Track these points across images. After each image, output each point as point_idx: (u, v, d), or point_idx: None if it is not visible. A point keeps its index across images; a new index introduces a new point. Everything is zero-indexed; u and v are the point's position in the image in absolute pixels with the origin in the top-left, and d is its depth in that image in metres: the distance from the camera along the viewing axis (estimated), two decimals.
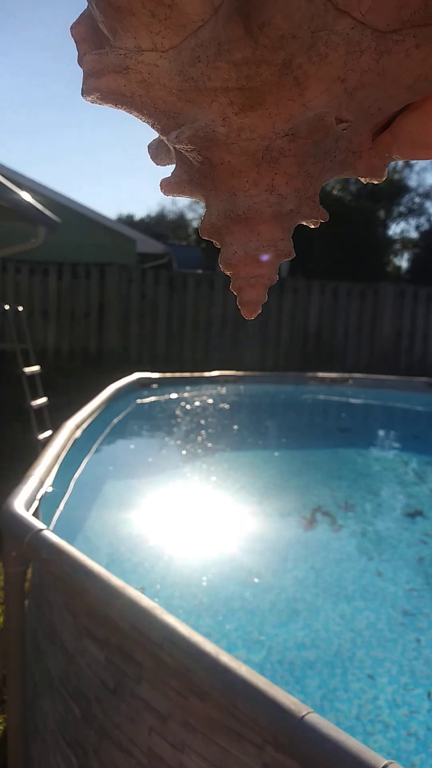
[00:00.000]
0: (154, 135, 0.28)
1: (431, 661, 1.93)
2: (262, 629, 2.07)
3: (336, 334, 8.82)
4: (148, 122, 0.26)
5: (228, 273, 0.29)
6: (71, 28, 0.26)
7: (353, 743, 0.81)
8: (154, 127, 0.26)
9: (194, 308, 8.56)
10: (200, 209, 24.90)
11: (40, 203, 5.32)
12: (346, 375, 6.24)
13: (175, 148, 0.26)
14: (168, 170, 0.29)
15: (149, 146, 0.29)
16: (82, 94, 0.25)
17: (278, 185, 0.26)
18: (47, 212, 5.28)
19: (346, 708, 1.69)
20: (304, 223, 0.29)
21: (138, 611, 1.11)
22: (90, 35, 0.26)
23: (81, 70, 0.26)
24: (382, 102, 0.25)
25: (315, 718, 0.85)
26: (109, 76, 0.24)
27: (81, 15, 0.26)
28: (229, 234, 0.27)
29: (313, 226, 0.29)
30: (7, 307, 4.90)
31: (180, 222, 28.09)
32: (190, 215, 27.46)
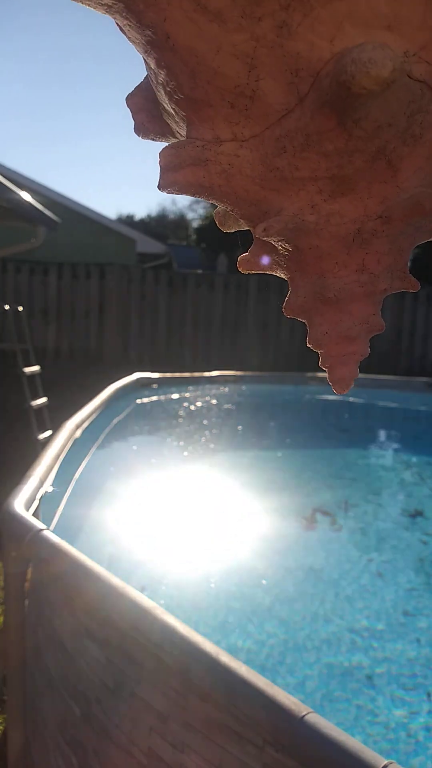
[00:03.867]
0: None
1: (431, 661, 1.93)
2: (262, 629, 2.07)
3: None
4: (228, 209, 0.24)
5: (318, 351, 0.27)
6: (127, 98, 0.25)
7: (353, 743, 0.81)
8: (233, 212, 0.25)
9: (194, 308, 8.55)
10: (200, 209, 24.89)
11: (40, 203, 5.32)
12: None
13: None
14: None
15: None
16: (158, 188, 0.24)
17: (369, 264, 0.25)
18: (47, 212, 5.28)
19: (346, 708, 1.69)
20: None
21: (138, 611, 1.11)
22: (147, 106, 0.25)
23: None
24: None
25: (315, 718, 0.85)
26: (187, 169, 0.23)
27: (137, 86, 0.25)
28: (318, 315, 0.26)
29: None
30: (7, 307, 4.90)
31: (180, 222, 28.09)
32: (190, 215, 27.48)
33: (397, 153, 0.22)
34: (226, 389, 5.83)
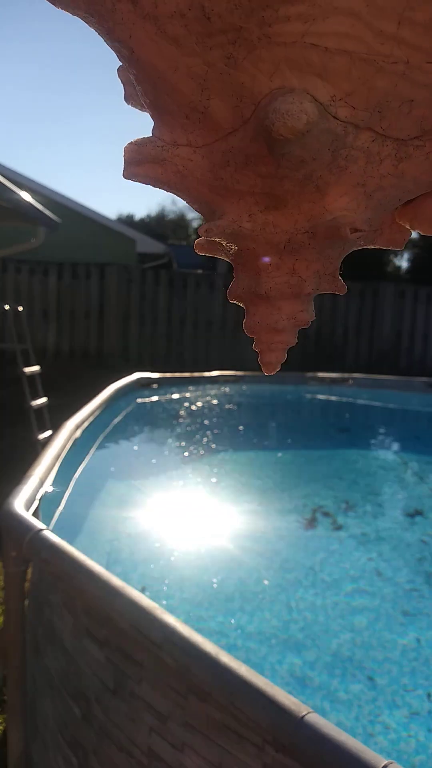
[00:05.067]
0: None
1: (431, 661, 1.93)
2: (262, 629, 2.07)
3: (336, 334, 8.82)
4: (185, 200, 0.28)
5: (251, 337, 0.31)
6: (118, 70, 0.27)
7: (353, 743, 0.81)
8: (190, 205, 0.28)
9: (194, 308, 8.55)
10: None
11: (40, 203, 5.32)
12: (346, 375, 6.24)
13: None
14: None
15: (196, 244, 0.32)
16: (122, 175, 0.27)
17: (299, 269, 0.28)
18: (47, 212, 5.28)
19: (346, 708, 1.69)
20: None
21: (138, 611, 1.11)
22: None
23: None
24: (402, 195, 0.26)
25: (315, 718, 0.85)
26: (147, 165, 0.26)
27: None
28: (252, 305, 0.30)
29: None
30: (7, 307, 4.90)
31: (180, 222, 28.10)
32: (190, 215, 27.48)
33: (324, 180, 0.24)
34: (227, 389, 5.83)
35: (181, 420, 5.14)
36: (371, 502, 3.54)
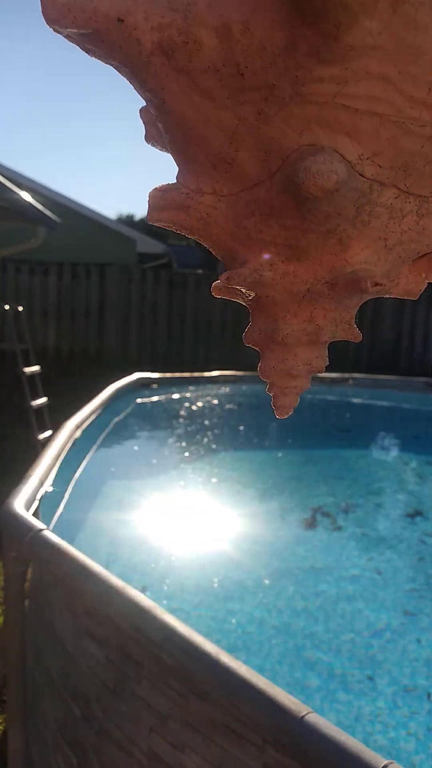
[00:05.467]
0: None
1: (431, 661, 1.93)
2: (262, 629, 2.07)
3: None
4: (206, 246, 0.29)
5: (265, 381, 0.32)
6: (140, 110, 0.28)
7: (353, 743, 0.81)
8: (211, 251, 0.29)
9: (194, 308, 8.55)
10: None
11: (40, 203, 5.32)
12: (346, 375, 6.24)
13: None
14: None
15: (213, 287, 0.32)
16: (146, 220, 0.27)
17: (317, 317, 0.28)
18: (47, 212, 5.28)
19: (346, 708, 1.69)
20: None
21: (138, 611, 1.11)
22: (156, 121, 0.28)
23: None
24: (421, 248, 0.27)
25: (315, 718, 0.85)
26: (171, 211, 0.26)
27: None
28: (268, 350, 0.30)
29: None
30: (7, 307, 4.90)
31: None
32: None
33: (347, 234, 0.25)
34: (227, 389, 5.83)
35: (181, 420, 5.14)
36: (371, 502, 3.54)
